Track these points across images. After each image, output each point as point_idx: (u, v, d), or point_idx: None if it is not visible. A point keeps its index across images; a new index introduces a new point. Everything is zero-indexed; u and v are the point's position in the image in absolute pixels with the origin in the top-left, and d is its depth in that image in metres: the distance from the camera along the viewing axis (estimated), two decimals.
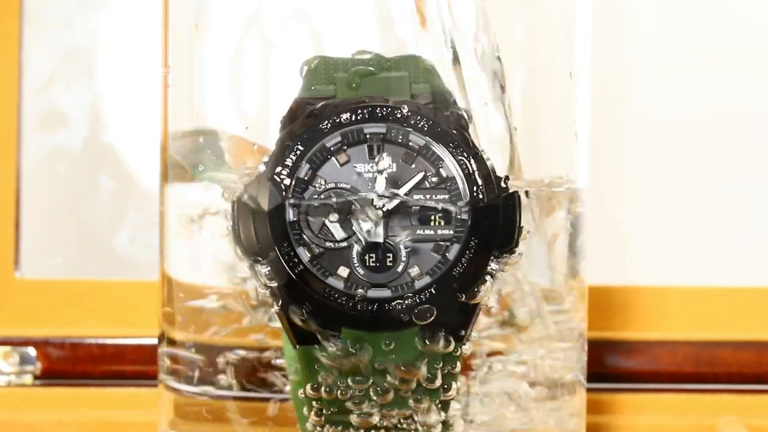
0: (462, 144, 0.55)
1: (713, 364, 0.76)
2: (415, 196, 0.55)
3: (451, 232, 0.55)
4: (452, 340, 0.55)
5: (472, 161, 0.55)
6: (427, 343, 0.55)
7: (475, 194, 0.55)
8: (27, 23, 0.78)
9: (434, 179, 0.55)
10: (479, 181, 0.55)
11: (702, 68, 0.79)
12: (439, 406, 0.56)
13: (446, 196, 0.55)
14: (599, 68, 0.65)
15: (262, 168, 0.55)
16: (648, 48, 0.79)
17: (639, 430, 0.73)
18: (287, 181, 0.54)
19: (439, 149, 0.55)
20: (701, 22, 0.79)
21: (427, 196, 0.55)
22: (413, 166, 0.55)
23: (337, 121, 0.55)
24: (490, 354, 0.61)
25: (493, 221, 0.55)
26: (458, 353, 0.55)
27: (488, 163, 0.55)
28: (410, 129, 0.55)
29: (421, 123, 0.55)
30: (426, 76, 0.56)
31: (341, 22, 0.60)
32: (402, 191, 0.55)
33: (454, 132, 0.55)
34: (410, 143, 0.55)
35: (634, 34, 0.79)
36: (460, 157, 0.55)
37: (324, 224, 0.55)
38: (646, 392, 0.75)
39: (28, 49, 0.79)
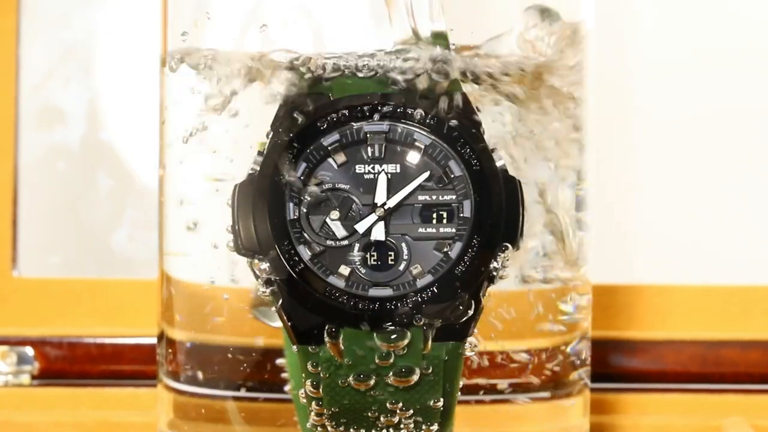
0: (470, 142, 0.54)
1: (719, 364, 0.76)
2: (420, 197, 0.54)
3: (453, 230, 0.54)
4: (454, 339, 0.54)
5: (481, 159, 0.54)
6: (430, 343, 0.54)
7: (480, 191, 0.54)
8: (24, 19, 0.78)
9: (440, 178, 0.54)
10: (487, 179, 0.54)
11: (702, 68, 0.79)
12: (440, 403, 0.55)
13: (453, 197, 0.54)
14: (600, 68, 0.64)
15: (257, 165, 0.54)
16: (649, 48, 0.79)
17: (643, 431, 0.73)
18: (284, 180, 0.54)
19: (446, 148, 0.54)
20: (702, 22, 0.79)
21: (433, 197, 0.54)
22: (417, 165, 0.54)
23: (336, 118, 0.54)
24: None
25: (496, 218, 0.54)
26: (460, 352, 0.55)
27: (499, 162, 0.55)
28: (415, 127, 0.54)
29: (427, 120, 0.54)
30: None
31: (342, 19, 0.60)
32: (405, 192, 0.54)
33: (464, 130, 0.54)
34: (416, 142, 0.54)
35: (635, 33, 0.79)
36: (467, 156, 0.54)
37: (325, 222, 0.54)
38: (650, 392, 0.75)
39: (25, 46, 0.78)
